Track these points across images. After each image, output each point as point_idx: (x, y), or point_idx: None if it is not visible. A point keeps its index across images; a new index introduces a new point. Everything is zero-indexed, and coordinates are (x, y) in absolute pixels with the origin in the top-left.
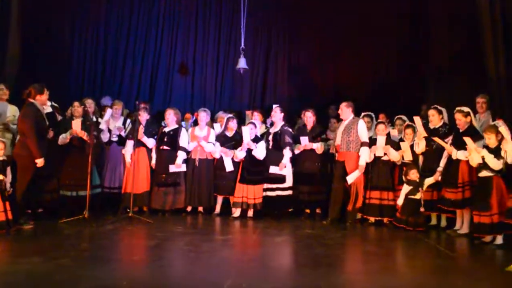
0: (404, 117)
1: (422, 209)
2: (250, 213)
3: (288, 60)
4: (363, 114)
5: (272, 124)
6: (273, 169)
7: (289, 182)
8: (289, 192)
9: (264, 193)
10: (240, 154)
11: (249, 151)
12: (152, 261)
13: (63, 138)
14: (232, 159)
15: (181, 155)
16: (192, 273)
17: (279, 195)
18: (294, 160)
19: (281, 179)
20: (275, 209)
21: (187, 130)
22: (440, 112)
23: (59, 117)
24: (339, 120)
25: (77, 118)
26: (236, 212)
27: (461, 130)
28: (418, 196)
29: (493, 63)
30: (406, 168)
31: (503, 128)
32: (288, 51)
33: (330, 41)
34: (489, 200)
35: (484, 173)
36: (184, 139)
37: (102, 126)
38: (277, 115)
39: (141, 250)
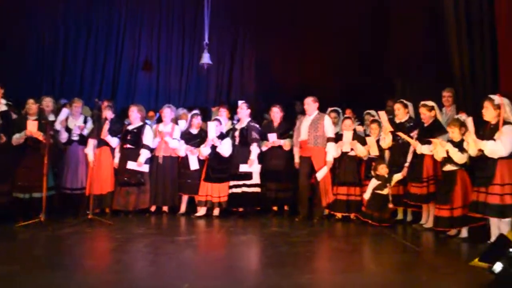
0: (373, 112)
1: (390, 205)
2: (216, 212)
3: (255, 57)
4: (329, 109)
5: (238, 120)
6: (243, 168)
7: (256, 179)
8: (256, 189)
9: (230, 190)
10: (205, 150)
11: (214, 148)
12: (108, 266)
13: (17, 138)
14: (198, 157)
15: (144, 154)
16: (150, 277)
17: (245, 192)
18: (261, 157)
19: (247, 175)
20: (241, 206)
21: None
22: (405, 106)
23: (14, 116)
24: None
25: (32, 117)
26: (201, 211)
27: (425, 125)
28: (385, 191)
29: (458, 61)
30: (375, 163)
31: (470, 120)
32: (255, 48)
33: (296, 38)
34: (450, 193)
35: (448, 167)
36: (148, 137)
37: (57, 126)
38: (243, 111)
39: (98, 254)
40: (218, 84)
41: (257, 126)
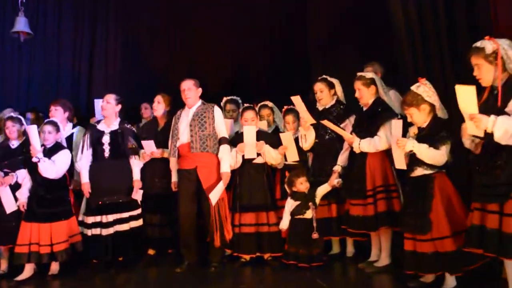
0: (269, 104)
1: (315, 235)
2: (54, 267)
3: (122, 41)
4: (225, 99)
5: (99, 121)
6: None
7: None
8: (141, 221)
9: (111, 229)
10: (20, 174)
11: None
12: None
13: None
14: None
15: None
16: None
17: (133, 228)
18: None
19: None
20: (126, 252)
21: None
22: (330, 86)
23: None
24: None
25: None
26: (26, 271)
27: (364, 108)
28: (308, 215)
29: (411, 59)
30: (290, 175)
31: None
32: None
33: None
34: (427, 214)
35: (419, 172)
36: None
37: None
38: (110, 107)
39: None
40: (75, 77)
41: (133, 129)
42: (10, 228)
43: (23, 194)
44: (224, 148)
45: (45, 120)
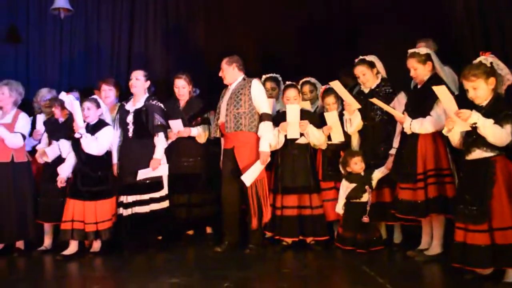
0: (313, 80)
1: (365, 219)
2: (96, 245)
3: (161, 17)
4: (264, 77)
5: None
6: (142, 174)
7: (165, 189)
8: (165, 204)
9: (130, 210)
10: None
11: (76, 143)
12: None
13: None
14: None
15: None
16: None
17: (153, 211)
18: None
19: (154, 184)
20: (146, 234)
21: None
22: (371, 65)
23: None
24: None
25: None
26: (71, 246)
27: (419, 86)
28: (364, 198)
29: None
30: (345, 155)
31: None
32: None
33: None
34: (487, 201)
35: (477, 154)
36: None
37: None
38: (140, 84)
39: None
40: (114, 56)
41: (161, 105)
42: (57, 204)
43: (65, 170)
44: (265, 126)
45: (91, 97)
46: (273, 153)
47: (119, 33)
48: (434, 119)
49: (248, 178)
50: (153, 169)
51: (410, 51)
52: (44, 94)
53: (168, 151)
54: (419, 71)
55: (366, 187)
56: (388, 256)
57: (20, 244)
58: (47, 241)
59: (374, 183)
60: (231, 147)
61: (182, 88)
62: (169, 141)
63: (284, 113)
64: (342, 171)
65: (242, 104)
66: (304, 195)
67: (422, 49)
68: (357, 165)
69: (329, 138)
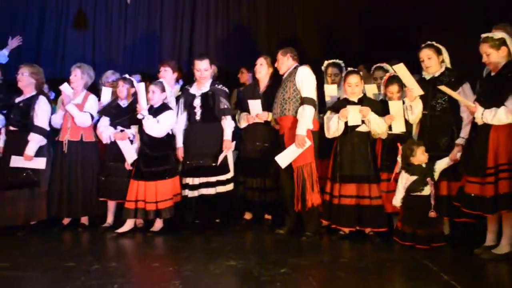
0: (387, 66)
1: (432, 213)
2: (157, 225)
3: (222, 4)
4: (326, 62)
5: (192, 84)
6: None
7: (232, 172)
8: (230, 186)
9: (196, 192)
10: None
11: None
12: None
13: None
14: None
15: (34, 140)
16: None
17: (220, 193)
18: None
19: (220, 167)
20: (209, 216)
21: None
22: (438, 52)
23: None
24: None
25: None
26: (126, 225)
27: (492, 73)
28: (426, 191)
29: None
30: (409, 144)
31: None
32: None
33: None
34: None
35: None
36: (41, 115)
37: None
38: (204, 68)
39: None
40: (176, 40)
41: (226, 90)
42: (121, 183)
43: (132, 154)
44: (303, 109)
45: (158, 80)
46: (332, 141)
47: (181, 18)
48: (509, 109)
49: (282, 159)
50: (226, 151)
51: (483, 35)
52: (109, 75)
53: (245, 134)
54: (492, 57)
55: (428, 179)
56: (450, 252)
57: (84, 220)
58: (110, 218)
59: (436, 175)
60: (282, 133)
61: (263, 68)
62: (244, 124)
63: (345, 100)
64: (402, 163)
65: (288, 90)
66: (363, 184)
67: (497, 34)
68: (423, 155)
69: (389, 128)
